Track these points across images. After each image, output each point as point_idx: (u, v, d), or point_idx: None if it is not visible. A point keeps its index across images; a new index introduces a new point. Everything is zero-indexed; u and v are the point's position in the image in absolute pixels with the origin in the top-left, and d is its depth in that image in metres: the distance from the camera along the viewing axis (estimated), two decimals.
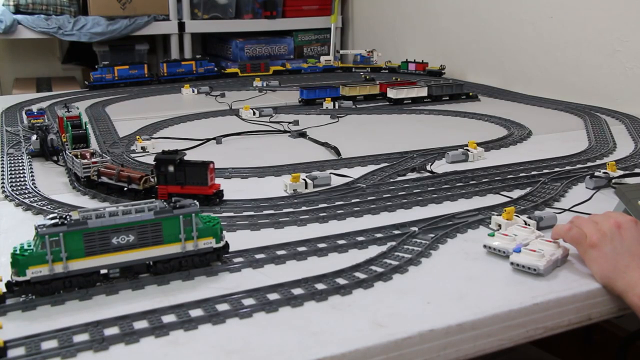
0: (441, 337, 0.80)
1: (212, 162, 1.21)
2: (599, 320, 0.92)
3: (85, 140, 1.46)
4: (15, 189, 1.32)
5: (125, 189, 1.23)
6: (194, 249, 0.92)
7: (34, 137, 1.58)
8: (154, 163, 1.21)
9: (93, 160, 1.29)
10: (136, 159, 1.57)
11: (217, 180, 1.41)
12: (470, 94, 2.42)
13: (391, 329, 0.79)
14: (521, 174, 1.42)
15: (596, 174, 1.34)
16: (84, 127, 1.48)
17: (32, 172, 1.46)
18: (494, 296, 0.87)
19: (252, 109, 2.12)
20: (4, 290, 0.84)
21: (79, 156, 1.32)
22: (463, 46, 2.95)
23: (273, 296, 0.86)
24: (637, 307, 0.86)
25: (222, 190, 1.23)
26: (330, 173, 1.36)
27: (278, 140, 1.82)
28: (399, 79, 2.62)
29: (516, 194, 1.29)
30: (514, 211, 1.10)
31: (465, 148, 1.57)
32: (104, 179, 1.26)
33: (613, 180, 1.32)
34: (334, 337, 0.77)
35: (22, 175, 1.41)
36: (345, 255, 1.00)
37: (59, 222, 0.84)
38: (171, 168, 1.19)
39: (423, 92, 2.34)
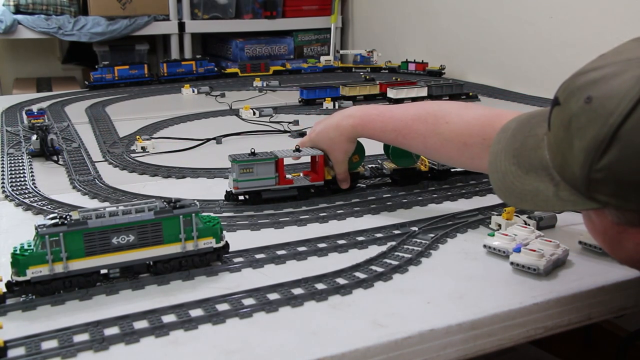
0: (441, 337, 0.80)
1: None
2: (599, 320, 0.93)
3: None
4: (15, 189, 1.32)
5: None
6: (194, 249, 0.92)
7: (34, 137, 1.58)
8: None
9: None
10: (136, 159, 1.57)
11: (217, 181, 1.42)
12: (470, 94, 2.42)
13: (391, 329, 0.79)
14: None
15: None
16: None
17: (32, 172, 1.46)
18: (494, 296, 0.88)
19: (252, 109, 2.11)
20: (4, 290, 0.84)
21: None
22: (463, 46, 2.95)
23: (273, 296, 0.86)
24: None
25: None
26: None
27: (278, 140, 1.81)
28: (399, 79, 2.62)
29: None
30: (514, 211, 1.10)
31: None
32: None
33: None
34: (334, 337, 0.77)
35: (22, 175, 1.41)
36: (345, 255, 1.00)
37: (59, 222, 0.84)
38: None
39: (423, 92, 2.33)
